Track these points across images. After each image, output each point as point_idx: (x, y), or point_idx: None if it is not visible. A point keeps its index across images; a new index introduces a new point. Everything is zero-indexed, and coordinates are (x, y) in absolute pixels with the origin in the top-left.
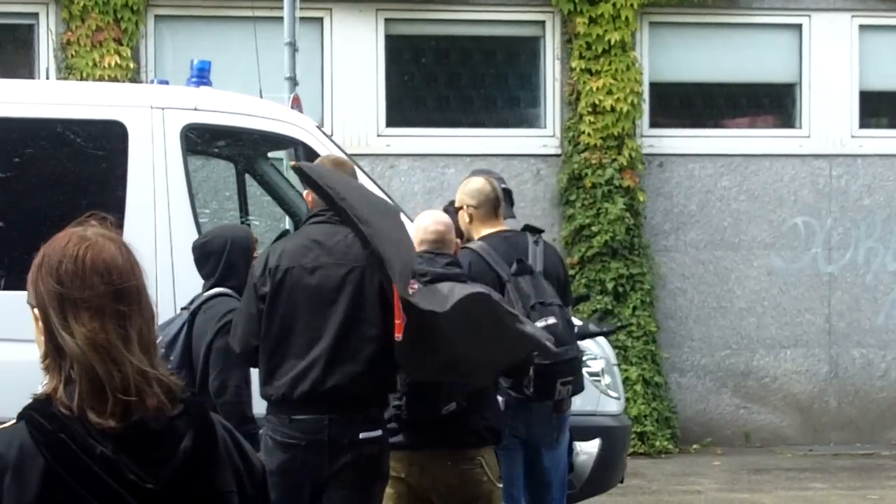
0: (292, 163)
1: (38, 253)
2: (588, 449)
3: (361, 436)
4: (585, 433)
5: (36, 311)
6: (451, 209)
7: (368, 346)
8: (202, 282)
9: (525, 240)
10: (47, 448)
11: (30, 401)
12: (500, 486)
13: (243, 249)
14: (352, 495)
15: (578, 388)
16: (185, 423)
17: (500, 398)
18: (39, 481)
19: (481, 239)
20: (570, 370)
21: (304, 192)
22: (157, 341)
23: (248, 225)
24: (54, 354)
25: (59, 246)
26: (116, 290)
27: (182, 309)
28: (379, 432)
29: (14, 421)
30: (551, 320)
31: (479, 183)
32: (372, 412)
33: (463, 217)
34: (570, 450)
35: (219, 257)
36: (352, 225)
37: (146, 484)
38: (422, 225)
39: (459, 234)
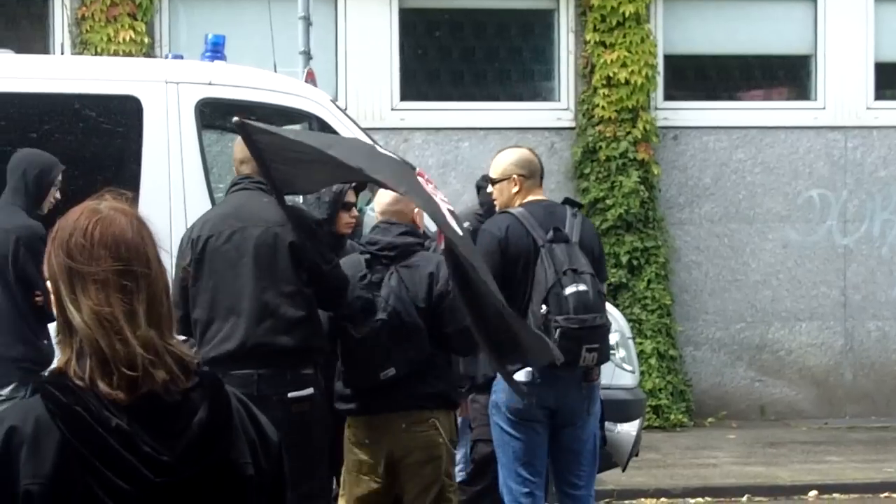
0: (235, 118)
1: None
2: (628, 429)
3: (290, 394)
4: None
5: (49, 284)
6: (483, 183)
7: (285, 301)
8: None
9: (564, 211)
10: (63, 421)
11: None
12: (455, 451)
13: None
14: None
15: (604, 356)
16: (199, 396)
17: (528, 369)
18: (55, 454)
19: (521, 206)
20: (596, 337)
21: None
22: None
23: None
24: (65, 328)
25: (70, 220)
26: (124, 264)
27: None
28: (310, 391)
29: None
30: (582, 287)
31: (527, 153)
32: (303, 372)
33: (507, 187)
34: (603, 422)
35: None
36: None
37: (161, 456)
38: (380, 198)
39: (491, 206)
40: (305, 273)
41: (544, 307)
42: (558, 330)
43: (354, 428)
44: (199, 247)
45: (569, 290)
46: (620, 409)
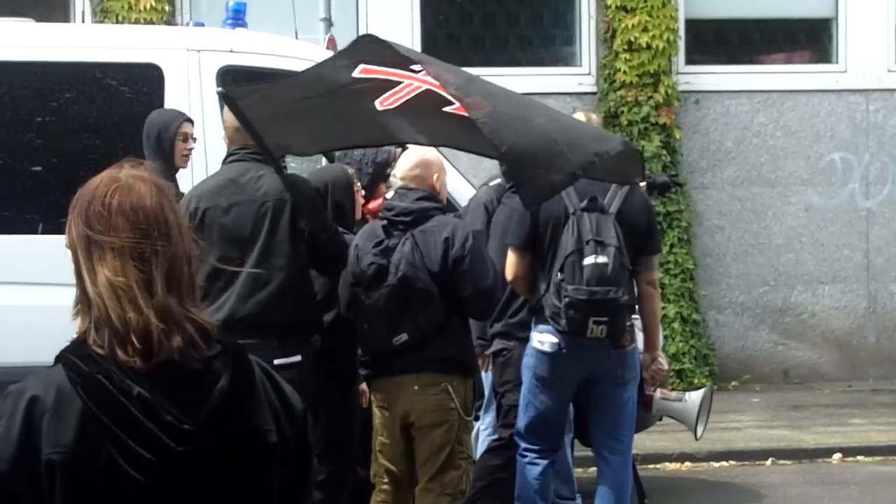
0: (218, 89)
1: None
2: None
3: (276, 362)
4: None
5: (69, 252)
6: None
7: (278, 275)
8: None
9: None
10: (84, 389)
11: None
12: (469, 417)
13: (345, 189)
14: None
15: (616, 331)
16: (222, 364)
17: (553, 340)
18: (77, 423)
19: None
20: (605, 310)
21: (224, 133)
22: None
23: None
24: (84, 297)
25: (90, 188)
26: (142, 232)
27: None
28: (297, 358)
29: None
30: (602, 259)
31: (583, 116)
32: (289, 342)
33: None
34: (641, 388)
35: (324, 202)
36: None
37: (183, 424)
38: (400, 163)
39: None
40: (304, 244)
41: (559, 274)
42: (567, 299)
43: (374, 391)
44: (197, 218)
45: (588, 260)
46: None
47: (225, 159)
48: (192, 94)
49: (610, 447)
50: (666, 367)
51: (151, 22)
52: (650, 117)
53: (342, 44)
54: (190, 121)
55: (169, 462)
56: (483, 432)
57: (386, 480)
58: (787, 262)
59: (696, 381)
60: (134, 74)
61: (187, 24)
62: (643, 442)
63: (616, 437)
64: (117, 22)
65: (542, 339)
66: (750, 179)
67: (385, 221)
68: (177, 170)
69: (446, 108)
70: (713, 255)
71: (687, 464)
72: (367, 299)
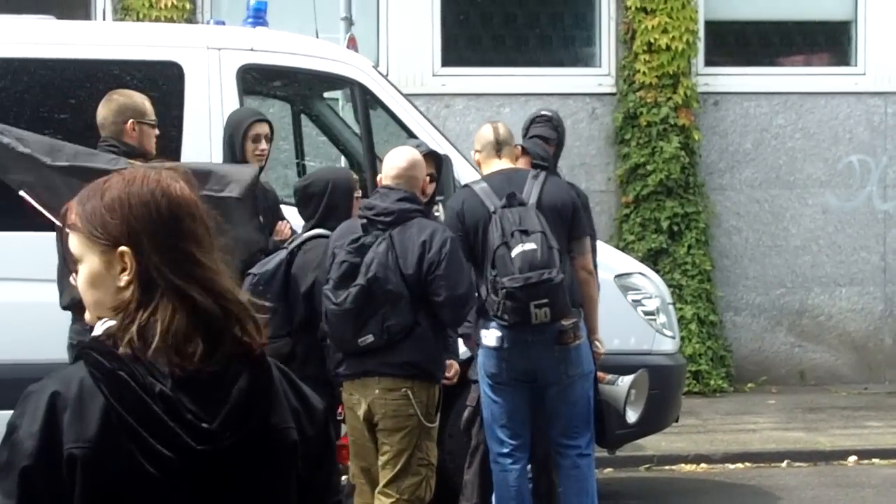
0: None
1: (102, 190)
2: (625, 381)
3: None
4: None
5: (123, 250)
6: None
7: None
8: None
9: (524, 175)
10: (107, 385)
11: (86, 341)
12: (430, 425)
13: (344, 192)
14: None
15: (559, 311)
16: (240, 364)
17: (497, 334)
18: (99, 418)
19: (484, 177)
20: (542, 293)
21: None
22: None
23: (305, 167)
24: (139, 295)
25: (138, 184)
26: (199, 230)
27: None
28: None
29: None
30: (529, 246)
31: (483, 129)
32: None
33: (477, 164)
34: (596, 386)
35: (320, 199)
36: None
37: (202, 423)
38: (391, 161)
39: None
40: None
41: (493, 270)
42: (503, 290)
43: (343, 391)
44: None
45: (515, 250)
46: (661, 375)
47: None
48: (212, 92)
49: (565, 446)
50: (602, 350)
51: (172, 20)
52: (669, 118)
53: (362, 42)
54: (263, 121)
55: (188, 460)
56: None
57: (363, 480)
58: (804, 265)
59: (712, 382)
60: (154, 72)
61: (208, 23)
62: (658, 443)
63: (570, 436)
64: (138, 19)
65: (488, 335)
66: (768, 181)
67: (364, 220)
68: (260, 170)
69: None
70: (730, 256)
71: (703, 465)
72: (335, 298)
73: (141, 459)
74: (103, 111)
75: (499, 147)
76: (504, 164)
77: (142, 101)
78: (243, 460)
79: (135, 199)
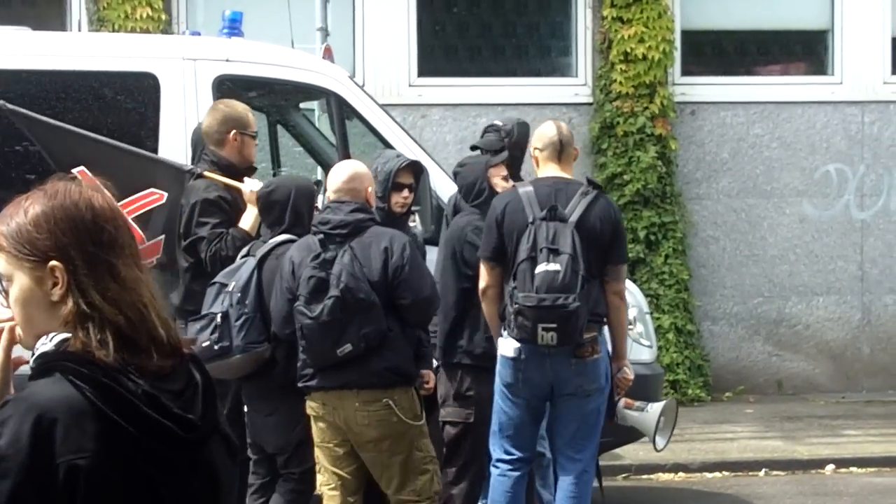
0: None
1: (25, 207)
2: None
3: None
4: None
5: (53, 264)
6: (459, 169)
7: None
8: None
9: (575, 189)
10: (94, 394)
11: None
12: (419, 423)
13: (307, 198)
14: None
15: (567, 337)
16: (184, 361)
17: (515, 345)
18: (95, 428)
19: (533, 181)
20: (554, 318)
21: None
22: (230, 288)
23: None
24: (82, 305)
25: (67, 201)
26: (122, 238)
27: (244, 256)
28: None
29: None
30: (553, 266)
31: (546, 126)
32: None
33: (533, 162)
34: (612, 400)
35: (284, 206)
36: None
37: (188, 414)
38: (333, 177)
39: (468, 190)
40: None
41: (513, 282)
42: (516, 306)
43: (313, 402)
44: None
45: (539, 267)
46: (638, 385)
47: None
48: (187, 102)
49: (568, 457)
50: (631, 376)
51: (148, 31)
52: (646, 128)
53: (338, 53)
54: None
55: (183, 453)
56: None
57: (332, 486)
58: (781, 274)
59: (690, 391)
60: (130, 83)
61: (184, 33)
62: (636, 453)
63: (576, 447)
64: (113, 31)
65: (506, 345)
66: (745, 190)
67: (321, 235)
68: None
69: None
70: (708, 265)
71: (680, 474)
72: (310, 312)
73: (141, 459)
74: (208, 120)
75: (561, 148)
76: (559, 171)
77: (244, 111)
78: (217, 448)
79: (59, 212)
